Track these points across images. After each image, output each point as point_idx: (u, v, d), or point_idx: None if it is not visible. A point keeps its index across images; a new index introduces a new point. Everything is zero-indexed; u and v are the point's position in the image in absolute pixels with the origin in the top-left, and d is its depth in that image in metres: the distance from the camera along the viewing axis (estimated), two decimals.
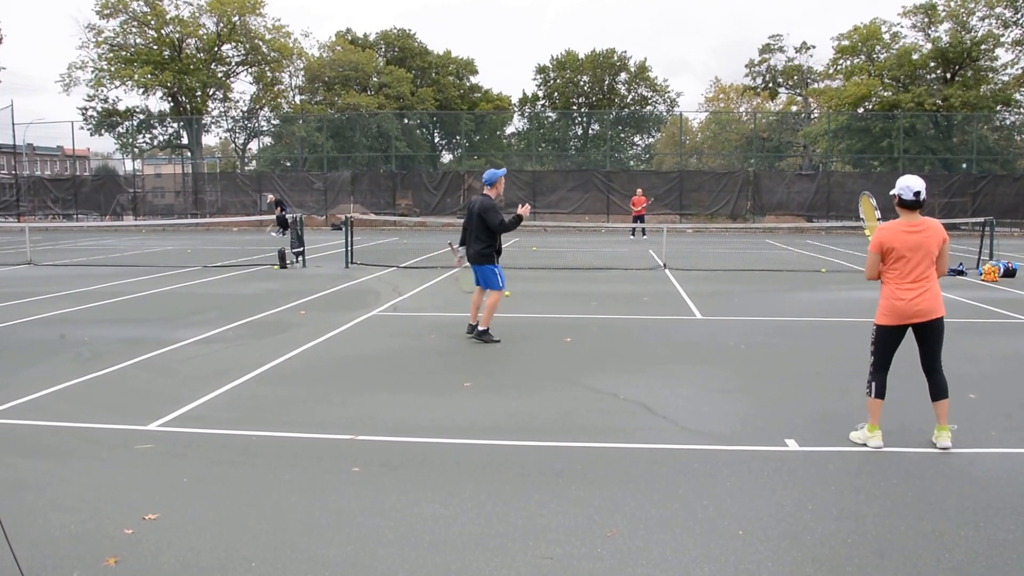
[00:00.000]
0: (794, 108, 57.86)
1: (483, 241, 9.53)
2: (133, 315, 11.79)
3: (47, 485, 4.98)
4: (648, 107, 63.03)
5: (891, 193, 5.74)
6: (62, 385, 7.46)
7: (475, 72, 64.14)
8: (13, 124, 43.98)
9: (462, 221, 9.93)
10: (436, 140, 58.65)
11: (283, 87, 55.07)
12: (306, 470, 5.28)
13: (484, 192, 9.72)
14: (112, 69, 47.86)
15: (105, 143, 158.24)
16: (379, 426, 6.19)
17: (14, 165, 48.51)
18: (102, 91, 48.60)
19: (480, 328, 9.57)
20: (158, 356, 8.72)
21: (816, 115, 50.92)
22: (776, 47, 56.04)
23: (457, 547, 4.12)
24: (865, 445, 5.68)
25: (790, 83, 57.34)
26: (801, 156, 49.19)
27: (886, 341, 5.76)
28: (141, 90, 48.47)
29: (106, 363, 8.35)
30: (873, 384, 5.77)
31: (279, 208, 30.86)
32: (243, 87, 79.63)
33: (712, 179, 39.43)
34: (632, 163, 56.11)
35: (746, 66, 57.16)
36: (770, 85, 57.17)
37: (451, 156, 56.96)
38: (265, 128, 53.40)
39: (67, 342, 9.59)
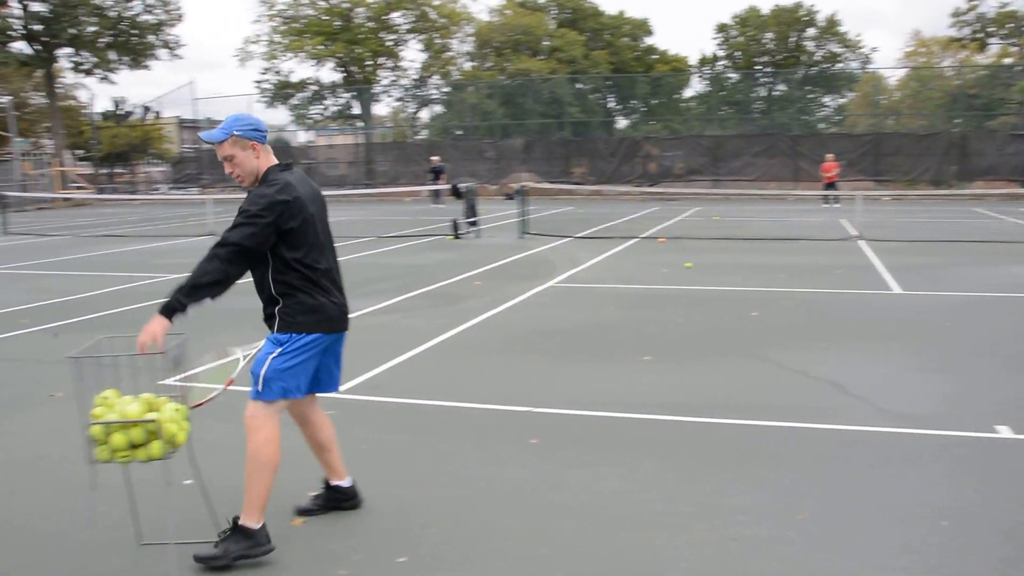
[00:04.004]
0: (1008, 60, 53.11)
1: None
2: None
3: (236, 447, 5.22)
4: (839, 65, 59.75)
5: None
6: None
7: (650, 33, 62.71)
8: (194, 99, 46.92)
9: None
10: (611, 105, 57.95)
11: (452, 54, 55.82)
12: (484, 440, 5.34)
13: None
14: (285, 42, 50.00)
15: (279, 115, 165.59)
16: (557, 399, 6.18)
17: (197, 139, 51.89)
18: (276, 64, 50.99)
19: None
20: None
21: None
22: None
23: (640, 523, 4.06)
24: None
25: (1003, 32, 52.60)
26: (1016, 114, 45.17)
27: None
28: (313, 61, 50.44)
29: None
30: None
31: (437, 176, 31.45)
32: (413, 55, 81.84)
33: (912, 142, 36.83)
34: (821, 125, 53.42)
35: (951, 15, 52.91)
36: (979, 35, 52.68)
37: (627, 121, 56.19)
38: (435, 96, 54.35)
39: (245, 312, 10.12)
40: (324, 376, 4.08)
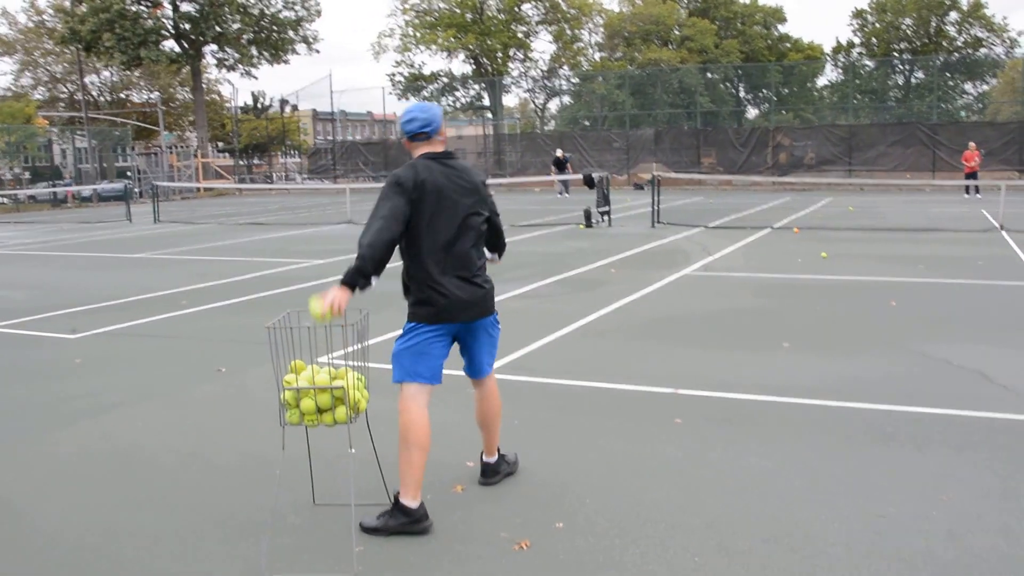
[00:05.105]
0: None
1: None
2: None
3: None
4: (983, 50, 56.80)
5: None
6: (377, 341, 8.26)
7: (783, 20, 61.42)
8: (331, 92, 48.61)
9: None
10: (741, 95, 56.91)
11: (582, 44, 56.07)
12: (629, 420, 5.56)
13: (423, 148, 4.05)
14: (418, 35, 51.26)
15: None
16: (698, 381, 6.36)
17: (331, 131, 53.79)
18: (408, 56, 52.40)
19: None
20: None
21: None
22: None
23: (784, 499, 4.22)
24: None
25: None
26: None
27: None
28: (445, 54, 51.58)
29: None
30: None
31: (562, 168, 31.65)
32: (543, 46, 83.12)
33: None
34: (962, 114, 51.02)
35: None
36: None
37: (757, 111, 55.07)
38: (564, 87, 54.63)
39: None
40: (467, 363, 4.36)
